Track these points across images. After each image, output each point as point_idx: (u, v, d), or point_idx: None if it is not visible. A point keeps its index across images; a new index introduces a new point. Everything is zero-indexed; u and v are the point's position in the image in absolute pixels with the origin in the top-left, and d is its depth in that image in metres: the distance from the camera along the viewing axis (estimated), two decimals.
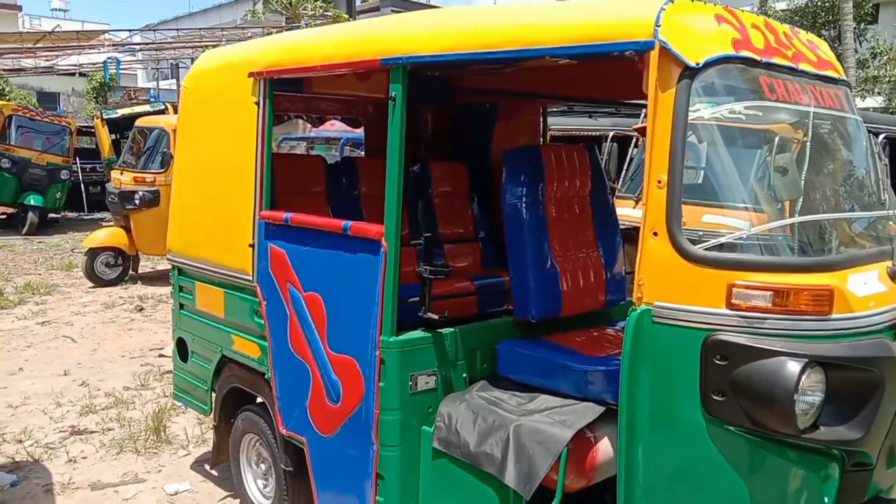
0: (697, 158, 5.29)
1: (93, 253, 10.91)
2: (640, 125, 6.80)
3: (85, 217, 19.26)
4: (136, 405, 6.16)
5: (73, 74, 26.85)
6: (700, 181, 5.57)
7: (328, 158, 5.61)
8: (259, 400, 4.00)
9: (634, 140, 7.10)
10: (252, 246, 3.72)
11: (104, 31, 20.17)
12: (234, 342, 4.01)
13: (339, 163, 4.66)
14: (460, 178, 4.99)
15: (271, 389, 3.69)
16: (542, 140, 5.01)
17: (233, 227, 3.89)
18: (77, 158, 18.12)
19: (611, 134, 7.29)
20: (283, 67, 3.54)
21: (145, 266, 12.23)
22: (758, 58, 2.65)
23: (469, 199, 5.05)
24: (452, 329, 3.24)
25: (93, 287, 10.91)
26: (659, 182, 2.46)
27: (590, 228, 3.68)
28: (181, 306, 4.53)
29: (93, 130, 17.31)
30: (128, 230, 10.79)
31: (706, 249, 2.44)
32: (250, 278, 3.76)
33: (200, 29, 25.07)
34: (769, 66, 2.71)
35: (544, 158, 3.47)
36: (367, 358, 3.12)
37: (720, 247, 2.49)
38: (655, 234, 2.46)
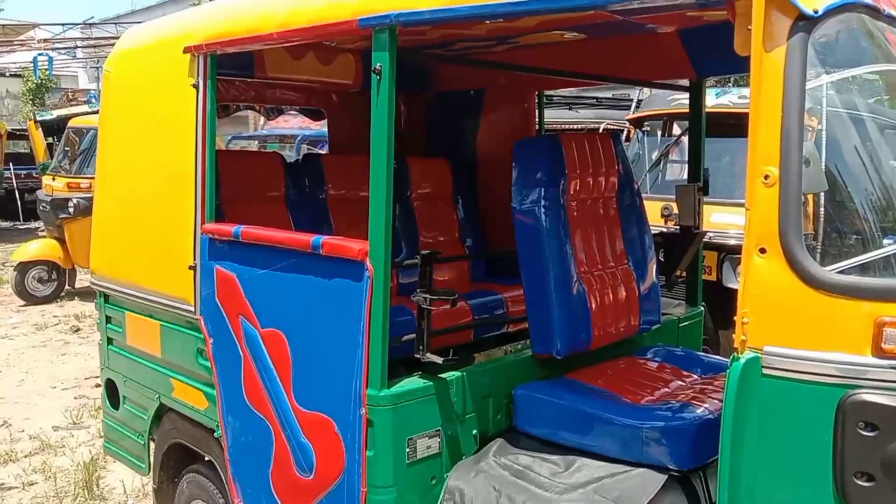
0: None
1: (23, 267, 9.87)
2: (633, 115, 6.14)
3: (20, 227, 17.96)
4: (66, 450, 5.27)
5: (3, 75, 25.23)
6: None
7: None
8: (208, 458, 3.19)
9: (626, 133, 6.46)
10: (193, 268, 2.92)
11: (33, 26, 18.82)
12: (174, 388, 3.19)
13: (301, 161, 3.87)
14: (443, 177, 4.26)
15: (223, 451, 2.89)
16: (538, 134, 4.28)
17: (168, 244, 3.08)
18: (11, 164, 16.87)
19: (601, 126, 6.65)
20: (228, 39, 2.74)
21: (83, 280, 11.16)
22: (880, 7, 1.96)
23: (453, 200, 4.32)
24: (458, 373, 2.49)
25: (24, 305, 9.87)
26: (766, 178, 1.75)
27: (618, 236, 2.97)
28: (109, 341, 3.69)
29: (26, 134, 16.08)
30: (62, 241, 9.77)
31: (842, 272, 1.73)
32: (192, 309, 2.95)
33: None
34: (891, 20, 2.02)
35: (565, 150, 2.74)
36: (348, 418, 2.35)
37: (861, 268, 1.78)
38: (763, 251, 1.75)
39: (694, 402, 2.52)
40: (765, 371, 1.73)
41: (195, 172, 2.88)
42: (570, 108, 7.40)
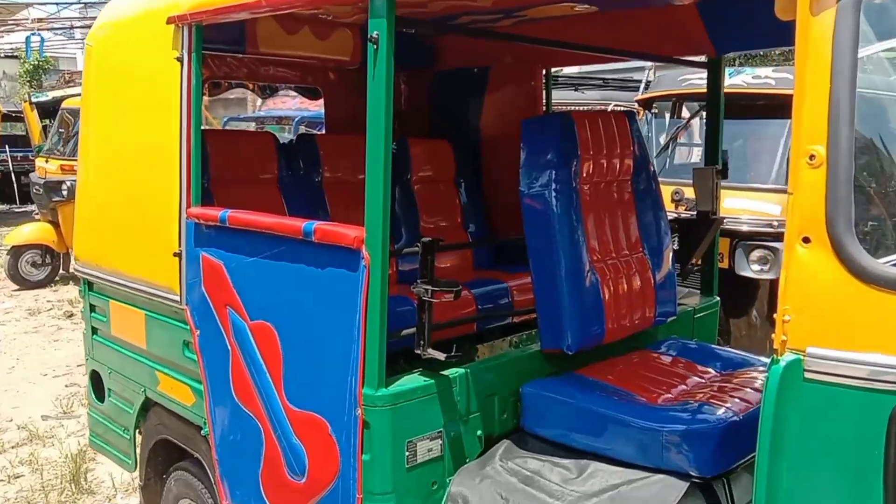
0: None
1: (17, 251, 9.67)
2: (642, 96, 5.92)
3: (17, 210, 17.73)
4: (55, 440, 5.10)
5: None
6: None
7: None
8: (196, 456, 3.01)
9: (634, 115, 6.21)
10: (178, 255, 2.73)
11: (27, 5, 18.49)
12: (160, 382, 3.01)
13: (295, 141, 3.67)
14: (445, 160, 4.06)
15: (210, 449, 2.71)
16: (546, 111, 4.07)
17: (152, 229, 2.89)
18: (6, 146, 16.61)
19: (609, 108, 6.43)
20: (215, 7, 2.53)
21: None
22: None
23: (456, 184, 4.12)
24: (462, 369, 2.30)
25: (17, 290, 9.69)
26: (812, 158, 1.55)
27: (633, 222, 2.78)
28: (94, 331, 3.50)
29: (22, 116, 15.83)
30: (56, 225, 9.57)
31: None
32: (177, 299, 2.76)
33: None
34: None
35: (578, 129, 2.53)
36: (342, 419, 2.17)
37: None
38: (807, 240, 1.56)
39: (714, 401, 2.34)
40: (807, 375, 1.55)
41: (180, 152, 2.68)
42: (576, 90, 7.18)
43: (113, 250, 3.21)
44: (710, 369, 2.70)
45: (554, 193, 2.44)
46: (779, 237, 4.87)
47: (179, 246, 2.72)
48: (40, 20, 19.70)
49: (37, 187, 9.82)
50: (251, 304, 2.46)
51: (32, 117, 13.98)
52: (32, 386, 6.29)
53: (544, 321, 2.50)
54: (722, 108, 3.34)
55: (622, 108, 6.62)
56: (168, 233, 2.75)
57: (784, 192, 4.96)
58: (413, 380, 2.21)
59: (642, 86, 6.28)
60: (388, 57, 2.00)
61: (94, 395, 3.57)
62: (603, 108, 6.46)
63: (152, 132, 2.85)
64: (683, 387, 2.54)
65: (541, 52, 3.86)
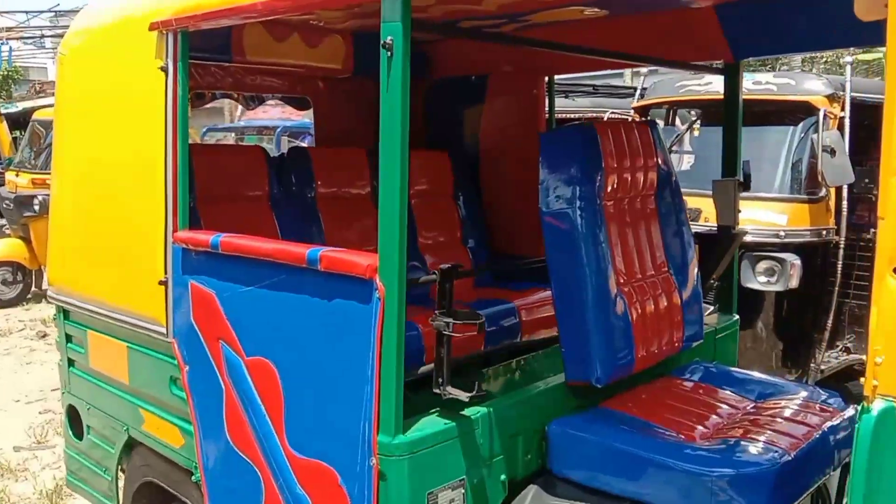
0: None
1: None
2: (640, 103, 5.76)
3: None
4: (28, 474, 4.80)
5: None
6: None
7: None
8: (187, 502, 2.76)
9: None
10: (164, 283, 2.49)
11: None
12: (145, 421, 2.76)
13: (287, 155, 3.43)
14: (443, 172, 3.86)
15: (203, 497, 2.47)
16: (549, 125, 3.88)
17: (135, 254, 2.64)
18: None
19: (606, 116, 6.27)
20: (203, 12, 2.30)
21: None
22: None
23: (454, 198, 3.92)
24: (484, 408, 2.08)
25: None
26: None
27: (658, 240, 2.58)
28: (70, 362, 3.24)
29: None
30: (28, 241, 9.21)
31: None
32: (163, 331, 2.52)
33: None
34: None
35: (601, 141, 2.33)
36: (354, 468, 1.94)
37: None
38: None
39: (757, 437, 2.15)
40: None
41: (165, 171, 2.44)
42: (566, 97, 7.02)
43: (91, 276, 2.95)
44: (741, 397, 2.51)
45: (579, 211, 2.24)
46: (786, 248, 4.71)
47: (165, 273, 2.48)
48: (9, 29, 19.23)
49: (7, 202, 9.45)
50: (247, 339, 2.22)
51: (2, 129, 13.57)
52: (3, 414, 5.96)
53: (570, 351, 2.29)
54: (740, 116, 3.18)
55: (618, 116, 6.46)
56: (152, 259, 2.51)
57: (790, 201, 4.79)
58: (432, 423, 1.99)
59: (637, 93, 6.12)
60: (405, 65, 1.78)
61: (71, 432, 3.30)
62: (596, 116, 6.30)
63: (134, 148, 2.61)
64: (717, 419, 2.34)
65: (542, 60, 3.67)
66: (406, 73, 1.79)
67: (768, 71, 8.43)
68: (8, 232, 10.36)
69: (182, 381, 2.47)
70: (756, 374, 2.80)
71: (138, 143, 2.58)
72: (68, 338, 3.20)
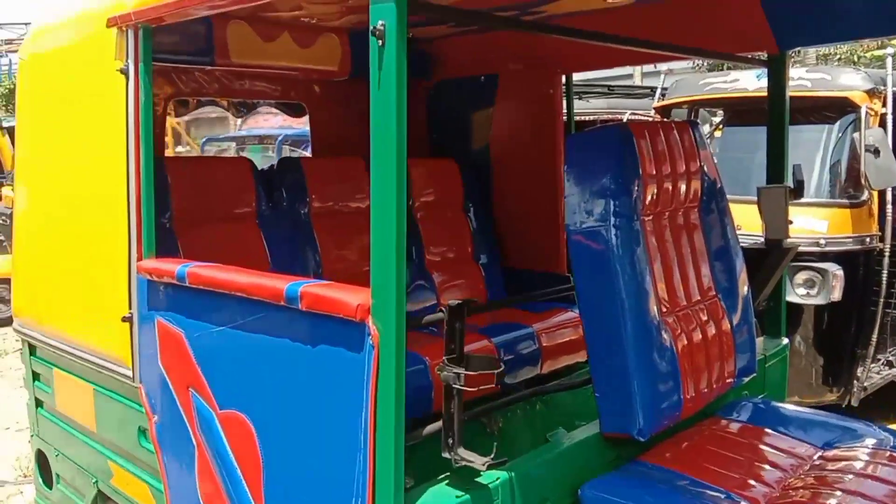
0: None
1: None
2: (662, 103, 5.39)
3: None
4: None
5: None
6: None
7: (264, 163, 4.01)
8: None
9: None
10: (129, 320, 2.14)
11: None
12: (114, 474, 2.41)
13: (276, 167, 3.08)
14: (451, 182, 3.52)
15: None
16: (568, 128, 3.52)
17: (98, 285, 2.30)
18: None
19: (625, 117, 5.91)
20: (164, 3, 1.95)
21: None
22: None
23: (464, 209, 3.57)
24: (505, 472, 1.72)
25: None
26: None
27: (704, 260, 2.21)
28: (39, 403, 2.90)
29: None
30: None
31: None
32: (129, 374, 2.17)
33: None
34: None
35: (638, 146, 1.96)
36: None
37: None
38: None
39: (830, 496, 1.78)
40: None
41: (128, 187, 2.10)
42: (579, 98, 6.65)
43: (55, 309, 2.61)
44: (799, 442, 2.14)
45: (614, 230, 1.87)
46: (827, 257, 4.32)
47: (130, 308, 2.13)
48: (9, 42, 19.03)
49: (3, 217, 9.16)
50: (220, 388, 1.87)
51: (4, 142, 13.33)
52: None
53: (606, 397, 1.92)
54: (787, 114, 2.80)
55: (640, 117, 6.08)
56: (116, 291, 2.17)
57: (830, 205, 4.38)
58: (440, 494, 1.62)
59: (658, 92, 5.75)
60: (399, 55, 1.43)
61: (40, 480, 2.96)
62: (613, 118, 5.93)
63: (95, 163, 2.28)
64: (780, 473, 1.97)
65: (558, 55, 3.32)
66: (402, 65, 1.43)
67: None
68: (8, 247, 10.08)
69: (150, 433, 2.12)
70: (811, 412, 2.43)
71: (100, 156, 2.24)
72: (35, 376, 2.87)
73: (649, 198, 1.99)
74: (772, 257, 2.65)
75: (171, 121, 11.63)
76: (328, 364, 1.58)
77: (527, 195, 3.54)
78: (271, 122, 9.32)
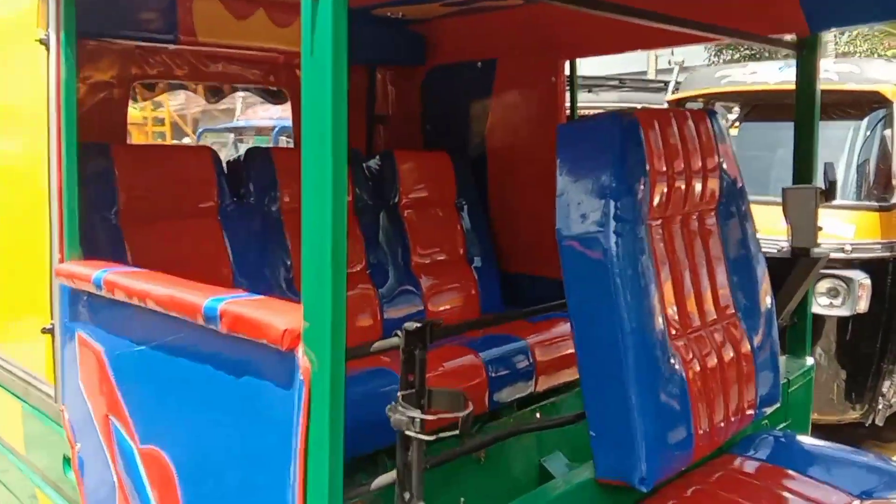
0: None
1: None
2: (677, 96, 5.05)
3: None
4: None
5: None
6: None
7: None
8: None
9: None
10: (50, 331, 1.84)
11: None
12: (39, 501, 2.12)
13: (244, 157, 2.77)
14: (443, 177, 3.23)
15: None
16: (570, 116, 3.20)
17: (19, 290, 2.00)
18: None
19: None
20: None
21: None
22: None
23: (456, 206, 3.27)
24: None
25: None
26: None
27: (722, 271, 1.88)
28: None
29: None
30: None
31: None
32: (51, 393, 1.88)
33: None
34: None
35: (645, 137, 1.64)
36: None
37: None
38: None
39: None
40: None
41: (49, 178, 1.80)
42: (589, 91, 6.32)
43: None
44: (836, 490, 1.81)
45: (614, 236, 1.55)
46: (852, 264, 3.98)
47: (52, 318, 1.84)
48: None
49: None
50: (141, 419, 1.57)
51: None
52: None
53: (602, 437, 1.60)
54: (817, 106, 2.48)
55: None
56: (37, 298, 1.87)
57: (857, 208, 4.01)
58: None
59: (671, 85, 5.42)
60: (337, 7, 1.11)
61: None
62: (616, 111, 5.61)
63: (15, 148, 1.97)
64: None
65: (562, 39, 3.01)
66: (341, 16, 1.11)
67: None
68: None
69: (73, 464, 1.82)
70: (844, 450, 2.10)
71: (21, 141, 1.94)
72: None
73: (657, 199, 1.67)
74: (798, 267, 2.32)
75: (170, 113, 11.36)
76: (253, 400, 1.27)
77: (526, 192, 3.24)
78: (271, 111, 9.00)
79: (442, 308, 3.13)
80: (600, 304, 1.57)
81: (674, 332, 1.68)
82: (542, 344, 2.74)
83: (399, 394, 1.28)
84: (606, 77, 6.79)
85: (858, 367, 4.26)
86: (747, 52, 14.12)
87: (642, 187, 1.62)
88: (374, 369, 2.28)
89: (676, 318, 1.70)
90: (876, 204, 4.06)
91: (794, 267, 2.33)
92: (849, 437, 3.86)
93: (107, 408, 1.65)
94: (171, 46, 2.82)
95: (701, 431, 1.67)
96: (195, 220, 2.50)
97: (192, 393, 1.42)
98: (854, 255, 3.96)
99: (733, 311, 1.89)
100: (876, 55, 12.05)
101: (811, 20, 2.35)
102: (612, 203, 1.56)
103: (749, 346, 1.88)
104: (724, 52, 14.19)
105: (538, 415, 2.70)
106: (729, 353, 1.83)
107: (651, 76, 13.43)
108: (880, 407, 4.32)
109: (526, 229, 3.28)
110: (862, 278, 3.93)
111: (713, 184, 1.85)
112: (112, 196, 2.27)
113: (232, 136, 9.45)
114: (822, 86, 4.61)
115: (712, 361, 1.76)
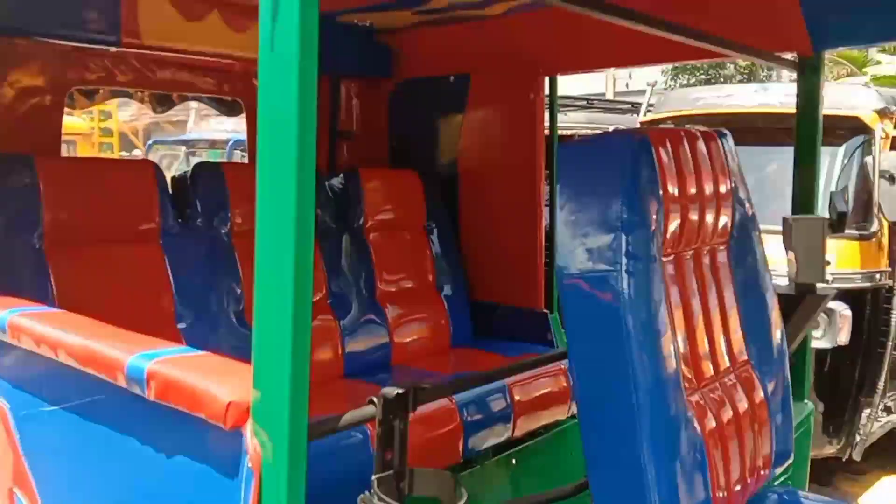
0: None
1: None
2: (652, 117, 4.90)
3: None
4: None
5: None
6: None
7: None
8: None
9: None
10: None
11: None
12: None
13: (191, 174, 2.48)
14: (411, 197, 3.01)
15: None
16: (550, 139, 3.00)
17: None
18: None
19: (610, 131, 5.41)
20: None
21: None
22: None
23: (425, 230, 3.04)
24: None
25: None
26: None
27: (734, 313, 1.67)
28: None
29: None
30: None
31: None
32: None
33: None
34: None
35: (658, 159, 1.42)
36: None
37: None
38: None
39: None
40: None
41: None
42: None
43: None
44: None
45: (627, 276, 1.32)
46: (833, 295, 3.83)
47: None
48: None
49: None
50: (51, 496, 1.27)
51: None
52: None
53: (603, 496, 1.36)
54: (819, 128, 2.31)
55: None
56: None
57: (836, 237, 3.85)
58: None
59: (644, 106, 5.27)
60: None
61: None
62: (593, 133, 5.42)
63: None
64: None
65: (542, 54, 2.81)
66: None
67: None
68: None
69: None
70: None
71: None
72: None
73: (671, 232, 1.45)
74: (803, 305, 2.13)
75: (119, 124, 10.89)
76: (187, 489, 1.00)
77: (500, 216, 3.03)
78: (226, 124, 8.63)
79: (409, 339, 2.89)
80: (609, 355, 1.33)
81: (688, 385, 1.46)
82: (521, 383, 2.52)
83: (374, 477, 1.02)
84: (574, 97, 6.63)
85: (837, 400, 4.12)
86: (703, 76, 14.27)
87: (656, 217, 1.39)
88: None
89: (691, 369, 1.47)
90: (856, 233, 3.94)
91: (799, 304, 2.14)
92: (819, 470, 3.71)
93: (11, 479, 1.35)
94: (113, 49, 2.53)
95: (717, 493, 1.45)
96: (133, 244, 2.20)
97: (113, 470, 1.13)
98: (835, 285, 3.82)
99: (746, 357, 1.68)
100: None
101: (815, 38, 2.19)
102: (623, 237, 1.33)
103: (763, 394, 1.67)
104: (679, 76, 14.32)
105: (514, 461, 2.47)
106: (743, 404, 1.61)
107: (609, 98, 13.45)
108: (857, 441, 4.18)
109: (499, 255, 3.07)
110: (843, 309, 3.79)
111: (726, 213, 1.64)
112: (35, 216, 1.97)
113: (184, 148, 9.03)
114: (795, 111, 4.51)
115: (727, 415, 1.54)
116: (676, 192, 1.46)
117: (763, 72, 13.90)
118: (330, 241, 2.75)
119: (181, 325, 2.16)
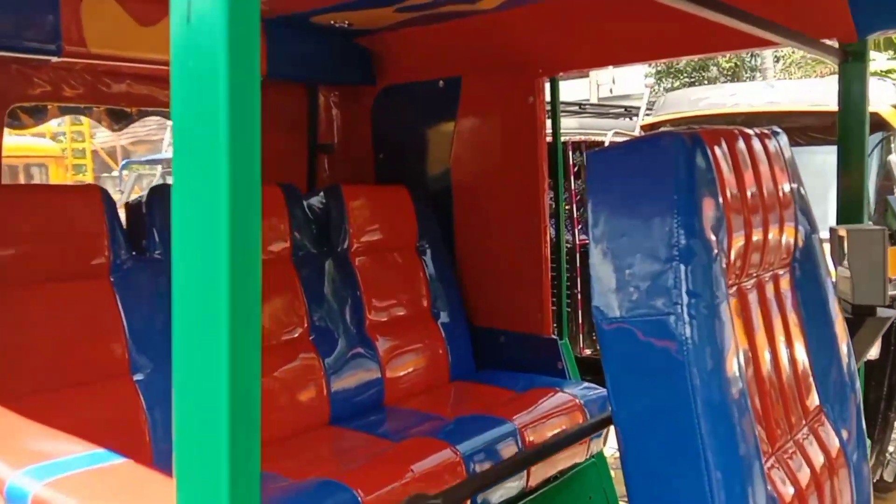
0: None
1: None
2: (652, 120, 4.63)
3: None
4: None
5: None
6: None
7: None
8: None
9: None
10: None
11: None
12: None
13: (146, 199, 2.15)
14: (401, 215, 2.75)
15: None
16: (553, 147, 2.71)
17: None
18: None
19: (609, 136, 5.14)
20: None
21: None
22: None
23: (418, 251, 2.75)
24: None
25: None
26: None
27: (802, 354, 1.37)
28: None
29: None
30: None
31: None
32: None
33: None
34: None
35: (716, 169, 1.12)
36: None
37: None
38: None
39: None
40: None
41: None
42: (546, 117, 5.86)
43: None
44: None
45: (688, 318, 1.02)
46: None
47: None
48: None
49: None
50: None
51: None
52: None
53: None
54: (866, 124, 2.03)
55: (623, 138, 5.31)
56: None
57: None
58: None
59: (642, 108, 5.00)
60: None
61: None
62: (586, 139, 5.14)
63: None
64: None
65: (541, 52, 2.53)
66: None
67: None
68: None
69: None
70: None
71: None
72: None
73: (734, 258, 1.15)
74: (863, 330, 1.84)
75: (90, 142, 10.51)
76: None
77: (499, 232, 2.76)
78: None
79: (403, 373, 2.59)
80: (671, 422, 1.03)
81: (763, 449, 1.15)
82: (535, 424, 2.21)
83: None
84: (565, 102, 6.36)
85: (865, 418, 3.85)
86: (686, 80, 14.11)
87: (717, 239, 1.09)
88: (319, 482, 1.70)
89: (764, 430, 1.17)
90: None
91: (857, 329, 1.84)
92: None
93: None
94: (55, 59, 2.21)
95: None
96: (80, 281, 1.88)
97: None
98: None
99: (818, 402, 1.38)
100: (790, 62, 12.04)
101: (859, 22, 1.91)
102: (682, 268, 1.02)
103: (839, 443, 1.37)
104: (664, 80, 14.16)
105: None
106: (819, 459, 1.31)
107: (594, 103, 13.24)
108: (888, 460, 3.90)
109: (500, 276, 2.78)
110: None
111: (789, 231, 1.34)
112: None
113: (160, 168, 8.68)
114: (812, 107, 4.23)
115: (805, 478, 1.24)
116: (738, 206, 1.16)
117: (746, 73, 13.75)
118: (311, 269, 2.45)
119: (137, 377, 1.85)
